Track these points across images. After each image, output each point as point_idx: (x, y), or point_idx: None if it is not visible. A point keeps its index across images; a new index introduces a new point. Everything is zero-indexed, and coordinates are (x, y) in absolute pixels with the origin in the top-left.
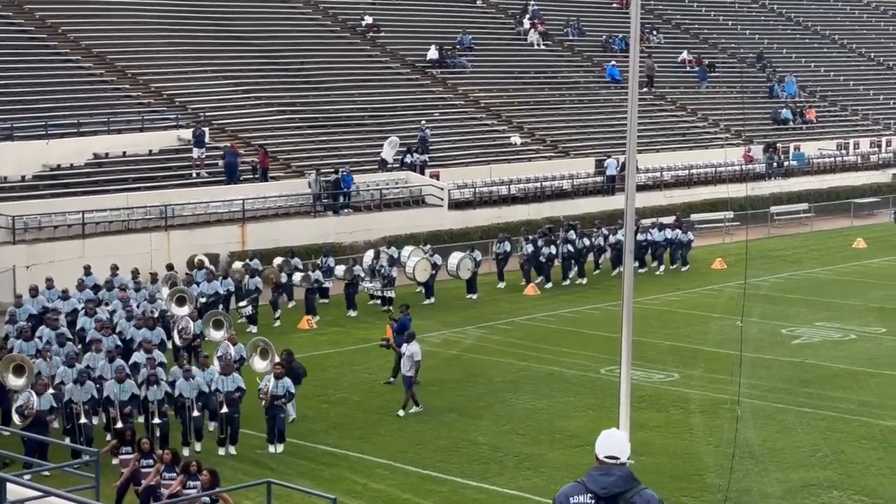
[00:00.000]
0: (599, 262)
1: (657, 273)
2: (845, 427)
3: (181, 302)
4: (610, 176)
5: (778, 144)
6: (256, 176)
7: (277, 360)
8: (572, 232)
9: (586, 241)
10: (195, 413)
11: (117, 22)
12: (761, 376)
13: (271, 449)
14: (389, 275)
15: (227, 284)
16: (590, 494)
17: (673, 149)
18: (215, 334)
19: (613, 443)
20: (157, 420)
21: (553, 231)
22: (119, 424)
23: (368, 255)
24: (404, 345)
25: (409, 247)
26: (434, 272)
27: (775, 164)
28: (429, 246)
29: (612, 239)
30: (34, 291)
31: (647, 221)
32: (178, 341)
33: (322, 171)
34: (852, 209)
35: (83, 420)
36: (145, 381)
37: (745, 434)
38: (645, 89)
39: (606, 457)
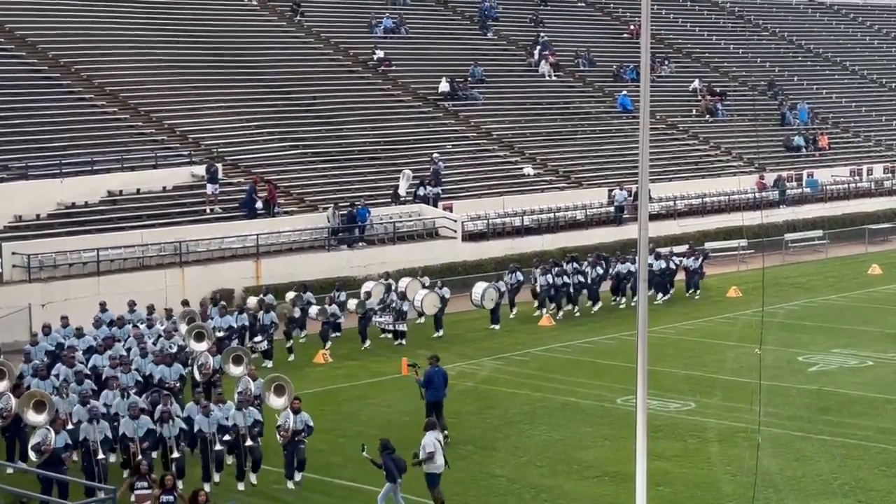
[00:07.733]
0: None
1: (657, 302)
2: (864, 454)
3: (200, 337)
4: (618, 206)
5: (783, 174)
6: (266, 211)
7: (294, 394)
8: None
9: (599, 270)
10: (217, 446)
11: (129, 59)
12: (778, 404)
13: (289, 484)
14: (401, 309)
15: (241, 319)
16: None
17: (685, 177)
18: (235, 370)
19: None
20: (175, 455)
21: (576, 260)
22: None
23: (367, 286)
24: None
25: (405, 278)
26: (443, 305)
27: (785, 192)
28: (426, 277)
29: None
30: (47, 330)
31: (663, 251)
32: (198, 377)
33: (339, 204)
34: (867, 235)
35: (101, 456)
36: (160, 419)
37: (763, 462)
38: (709, 116)
39: None
